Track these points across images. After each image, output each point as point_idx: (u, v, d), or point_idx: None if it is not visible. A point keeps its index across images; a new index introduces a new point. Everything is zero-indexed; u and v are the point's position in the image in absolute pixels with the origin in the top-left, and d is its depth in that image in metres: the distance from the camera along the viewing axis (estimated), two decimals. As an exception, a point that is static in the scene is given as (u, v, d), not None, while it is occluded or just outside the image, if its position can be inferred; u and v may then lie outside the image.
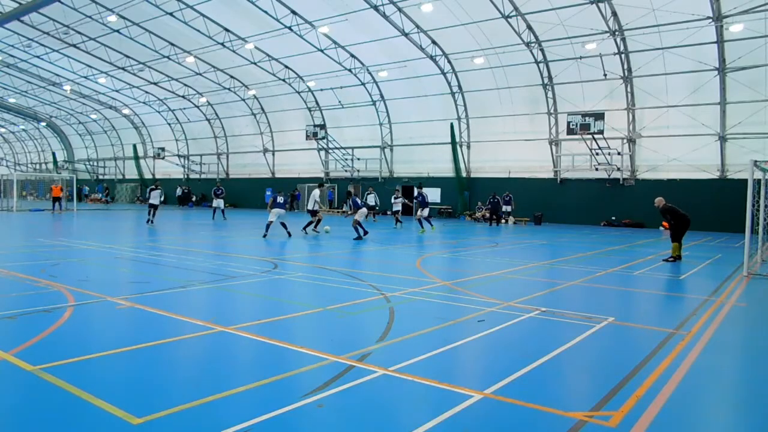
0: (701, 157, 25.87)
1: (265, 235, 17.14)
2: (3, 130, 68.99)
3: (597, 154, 27.95)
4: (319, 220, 19.66)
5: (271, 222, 17.32)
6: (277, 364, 4.92)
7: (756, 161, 11.35)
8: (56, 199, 32.03)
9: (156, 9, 30.79)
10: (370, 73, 34.29)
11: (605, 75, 26.59)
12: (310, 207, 19.51)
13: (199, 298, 7.98)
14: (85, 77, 44.15)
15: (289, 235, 17.49)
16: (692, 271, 11.96)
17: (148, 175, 53.58)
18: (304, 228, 19.51)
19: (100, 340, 5.63)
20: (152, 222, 22.05)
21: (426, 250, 15.36)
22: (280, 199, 17.74)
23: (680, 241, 13.34)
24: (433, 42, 30.15)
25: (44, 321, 6.14)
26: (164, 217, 27.41)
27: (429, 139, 34.32)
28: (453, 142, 32.95)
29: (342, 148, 37.96)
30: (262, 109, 42.19)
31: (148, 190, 21.53)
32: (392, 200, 25.87)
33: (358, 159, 37.65)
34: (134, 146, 53.59)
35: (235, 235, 19.01)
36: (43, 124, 60.45)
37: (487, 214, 30.59)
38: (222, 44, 33.73)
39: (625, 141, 27.69)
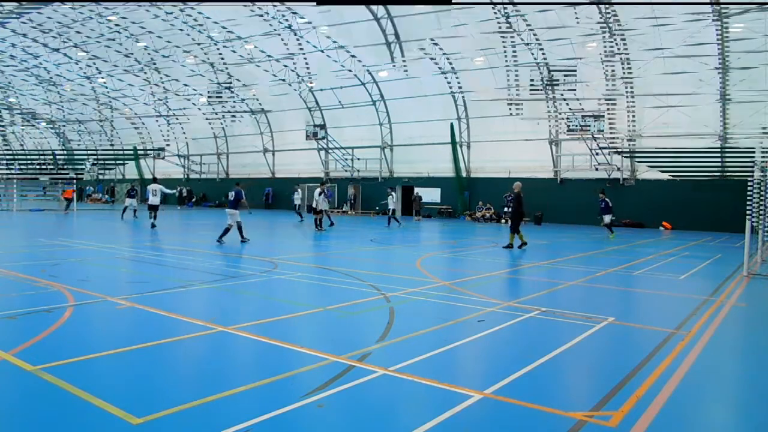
0: (701, 157, 25.87)
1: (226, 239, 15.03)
2: (3, 130, 68.90)
3: (597, 154, 27.94)
4: (321, 218, 21.02)
5: (230, 226, 15.04)
6: (277, 364, 4.92)
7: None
8: (68, 200, 32.19)
9: (156, 9, 30.77)
10: (370, 73, 34.27)
11: (605, 75, 26.56)
12: (322, 206, 21.08)
13: (199, 298, 7.98)
14: (85, 77, 44.13)
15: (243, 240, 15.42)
16: (692, 271, 11.96)
17: (148, 175, 53.54)
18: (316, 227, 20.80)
19: (100, 340, 5.63)
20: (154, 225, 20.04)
21: (426, 250, 15.35)
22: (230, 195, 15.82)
23: (518, 231, 14.62)
24: (433, 42, 30.12)
25: (44, 321, 6.13)
26: (162, 217, 27.36)
27: (429, 139, 34.28)
28: (453, 142, 32.92)
29: (342, 148, 37.94)
30: (262, 109, 42.17)
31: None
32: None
33: (358, 159, 37.62)
34: (134, 146, 53.57)
35: (237, 235, 18.94)
36: (43, 124, 60.40)
37: (487, 215, 30.54)
38: (222, 44, 33.70)
39: (625, 141, 27.67)
